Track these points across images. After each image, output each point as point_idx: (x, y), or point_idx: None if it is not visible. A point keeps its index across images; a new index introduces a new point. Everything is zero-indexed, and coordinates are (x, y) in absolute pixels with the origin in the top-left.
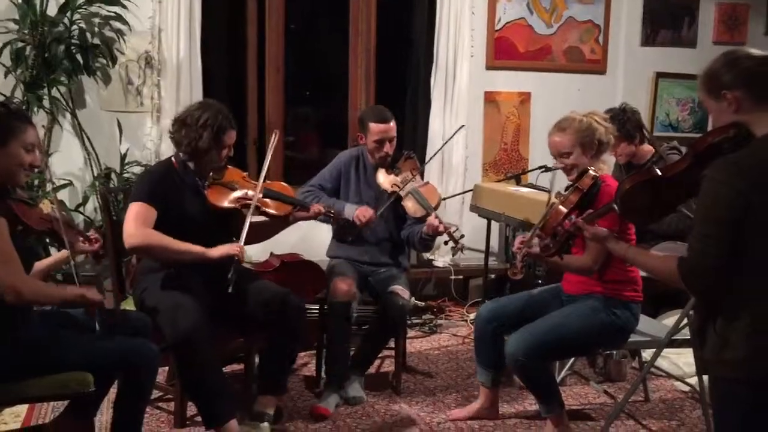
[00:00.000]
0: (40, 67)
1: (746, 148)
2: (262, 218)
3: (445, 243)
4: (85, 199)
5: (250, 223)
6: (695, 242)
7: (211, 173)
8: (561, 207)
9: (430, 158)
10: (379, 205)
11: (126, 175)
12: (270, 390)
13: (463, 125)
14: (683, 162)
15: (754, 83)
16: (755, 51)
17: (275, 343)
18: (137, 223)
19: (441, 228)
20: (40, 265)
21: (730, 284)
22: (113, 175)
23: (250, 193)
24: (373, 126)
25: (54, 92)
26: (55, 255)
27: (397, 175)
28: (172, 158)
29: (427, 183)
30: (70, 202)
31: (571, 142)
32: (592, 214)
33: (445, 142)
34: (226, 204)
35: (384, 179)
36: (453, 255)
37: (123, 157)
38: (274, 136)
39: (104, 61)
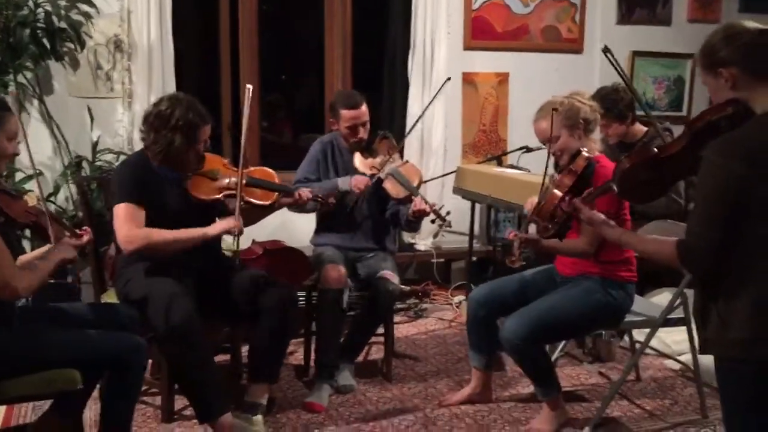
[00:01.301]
0: (4, 52)
1: (745, 127)
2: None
3: (432, 221)
4: (57, 189)
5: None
6: (694, 224)
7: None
8: (556, 191)
9: (411, 128)
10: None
11: (98, 163)
12: (262, 378)
13: (449, 78)
14: (681, 141)
15: (750, 59)
16: (753, 24)
17: (267, 332)
18: (130, 226)
19: (427, 209)
20: (22, 259)
21: (731, 265)
22: (85, 164)
23: (233, 180)
24: (345, 112)
25: (20, 78)
26: (38, 250)
27: (374, 157)
28: (146, 151)
29: (407, 162)
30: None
31: (557, 126)
32: (591, 194)
33: (431, 101)
34: (208, 195)
35: (361, 163)
36: (438, 232)
37: (94, 144)
38: (247, 91)
39: (72, 46)
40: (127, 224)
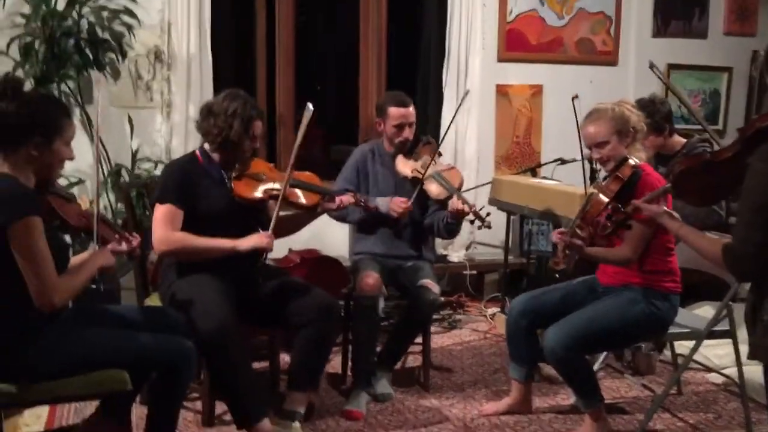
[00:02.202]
0: (49, 61)
1: None
2: (288, 211)
3: (471, 222)
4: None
5: (276, 215)
6: (739, 228)
7: (237, 165)
8: (601, 196)
9: (444, 134)
10: (405, 195)
11: (137, 172)
12: (302, 386)
13: (468, 91)
14: (732, 147)
15: None
16: None
17: (307, 340)
18: (165, 227)
19: (466, 209)
20: (75, 260)
21: None
22: (124, 172)
23: (278, 184)
24: (393, 110)
25: (63, 88)
26: (81, 255)
27: (416, 160)
28: (196, 151)
29: (449, 165)
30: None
31: (608, 131)
32: (650, 196)
33: (455, 113)
34: (253, 195)
35: (404, 166)
36: (470, 244)
37: (134, 154)
38: (307, 112)
39: (113, 56)
40: (165, 226)
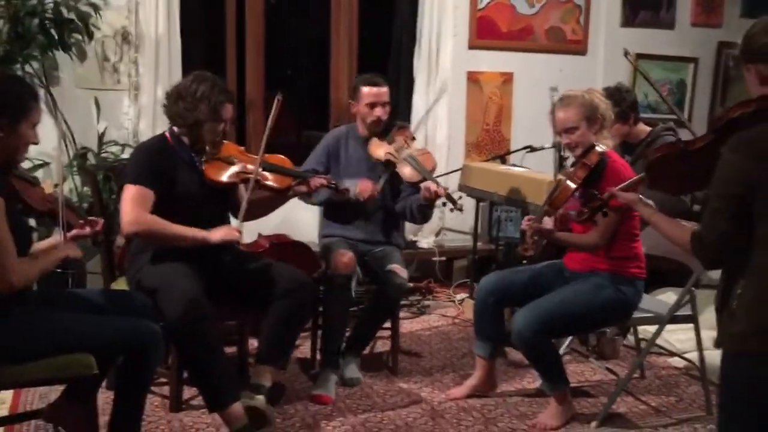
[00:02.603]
0: (13, 41)
1: (761, 125)
2: (259, 193)
3: (444, 205)
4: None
5: (249, 199)
6: (706, 216)
7: (207, 148)
8: (569, 183)
9: (416, 127)
10: (378, 178)
11: (104, 155)
12: (270, 360)
13: (445, 89)
14: (706, 137)
15: None
16: None
17: (280, 315)
18: (135, 208)
19: (440, 191)
20: (38, 247)
21: (740, 259)
22: (90, 155)
23: (250, 167)
24: (365, 89)
25: (27, 68)
26: (52, 238)
27: (390, 144)
28: (166, 133)
29: (425, 150)
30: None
31: (577, 117)
32: (625, 184)
33: (428, 110)
34: (224, 179)
35: (378, 149)
36: (440, 230)
37: (101, 136)
38: (276, 101)
39: (79, 37)
40: (135, 207)
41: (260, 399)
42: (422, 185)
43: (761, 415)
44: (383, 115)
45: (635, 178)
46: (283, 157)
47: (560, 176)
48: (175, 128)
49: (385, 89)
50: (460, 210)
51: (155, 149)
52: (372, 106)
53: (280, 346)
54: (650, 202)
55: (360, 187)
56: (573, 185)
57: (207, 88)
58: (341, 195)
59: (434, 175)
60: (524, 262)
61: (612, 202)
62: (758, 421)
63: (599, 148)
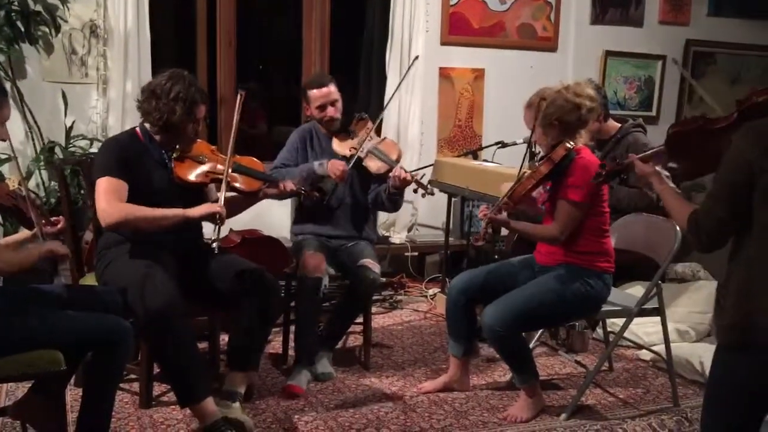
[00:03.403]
0: None
1: None
2: (230, 194)
3: (414, 191)
4: (29, 174)
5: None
6: (707, 199)
7: (177, 146)
8: (531, 178)
9: (387, 103)
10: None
11: (72, 149)
12: (241, 366)
13: (417, 56)
14: (729, 117)
15: None
16: None
17: (248, 318)
18: (110, 199)
19: (408, 177)
20: (7, 240)
21: (733, 249)
22: (58, 150)
23: (219, 167)
24: (312, 93)
25: None
26: (21, 234)
27: (352, 138)
28: (136, 129)
29: (384, 138)
30: None
31: (531, 120)
32: (643, 155)
33: (402, 80)
34: (193, 178)
35: (340, 145)
36: (413, 225)
37: (68, 130)
38: (239, 97)
39: (46, 30)
40: (109, 197)
41: (236, 408)
42: (391, 174)
43: (746, 406)
44: (335, 114)
45: (654, 149)
46: (254, 159)
47: (525, 170)
48: (147, 125)
49: (332, 88)
50: (431, 194)
51: (125, 144)
52: (322, 108)
53: (250, 351)
54: (665, 173)
55: (330, 167)
56: (534, 180)
57: (183, 89)
58: (310, 199)
59: (402, 164)
60: (496, 257)
61: (630, 169)
62: (742, 412)
63: (569, 145)
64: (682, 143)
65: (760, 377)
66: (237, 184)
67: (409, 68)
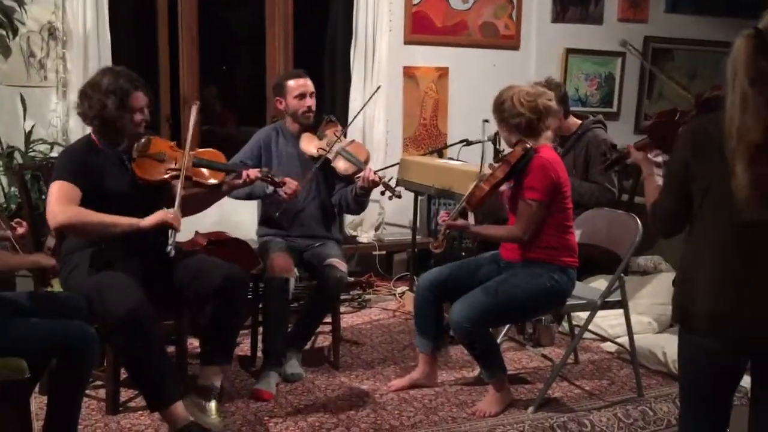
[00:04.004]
0: None
1: (711, 114)
2: (193, 189)
3: (382, 193)
4: None
5: (184, 195)
6: (661, 189)
7: (135, 145)
8: (488, 181)
9: (352, 119)
10: (307, 172)
11: (31, 153)
12: (214, 360)
13: (380, 86)
14: (691, 111)
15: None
16: None
17: (216, 312)
18: (60, 202)
19: (376, 178)
20: None
21: (686, 235)
22: (17, 155)
23: (180, 163)
24: (291, 83)
25: None
26: None
27: (321, 139)
28: (92, 135)
29: (353, 141)
30: None
31: (494, 118)
32: (638, 142)
33: (365, 103)
34: (155, 177)
35: (308, 145)
36: (380, 224)
37: (27, 135)
38: (194, 107)
39: (3, 32)
40: (58, 200)
41: (211, 407)
42: (360, 175)
43: (698, 386)
44: (313, 105)
45: (644, 138)
46: (215, 151)
47: (484, 172)
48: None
49: (309, 81)
50: (399, 196)
51: (82, 150)
52: (301, 96)
53: (223, 344)
54: (658, 160)
55: (285, 187)
56: (490, 183)
57: (111, 81)
58: (277, 186)
59: (369, 166)
60: (463, 254)
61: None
62: (700, 392)
63: (528, 145)
64: (660, 133)
65: (699, 360)
66: (200, 179)
67: (370, 97)
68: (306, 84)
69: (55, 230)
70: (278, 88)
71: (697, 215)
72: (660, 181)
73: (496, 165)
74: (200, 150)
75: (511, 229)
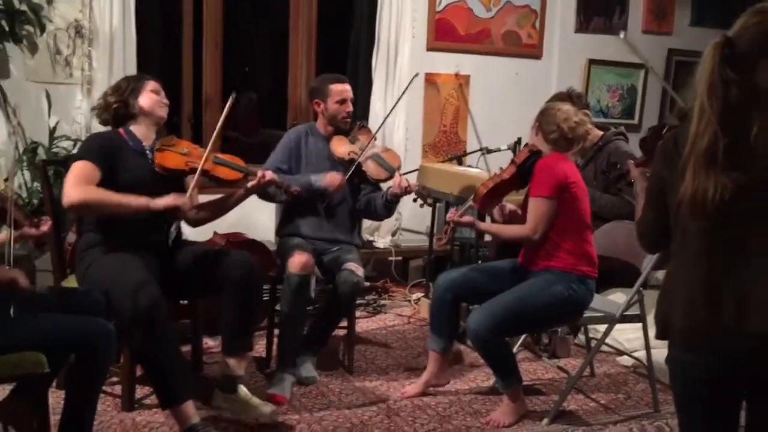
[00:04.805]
0: None
1: (684, 125)
2: (213, 194)
3: (414, 200)
4: (11, 175)
5: (203, 202)
6: (645, 204)
7: (160, 140)
8: (493, 179)
9: (384, 120)
10: (342, 173)
11: (55, 149)
12: (240, 349)
13: (417, 74)
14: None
15: None
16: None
17: (235, 302)
18: (77, 181)
19: (411, 186)
20: None
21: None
22: (41, 150)
23: (200, 159)
24: (334, 87)
25: None
26: (4, 233)
27: (353, 143)
28: (119, 130)
29: (388, 149)
30: None
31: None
32: (639, 160)
33: (402, 94)
34: (174, 166)
35: (340, 148)
36: (397, 230)
37: (52, 131)
38: (231, 97)
39: (31, 29)
40: (76, 179)
41: (240, 395)
42: (394, 180)
43: (685, 398)
44: (351, 111)
45: (640, 157)
46: (235, 157)
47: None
48: (132, 127)
49: (349, 87)
50: (431, 205)
51: (107, 135)
52: (342, 101)
53: (244, 333)
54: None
55: (328, 179)
56: (496, 180)
57: (123, 81)
58: (292, 196)
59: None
60: (479, 262)
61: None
62: (690, 414)
63: (534, 149)
64: (650, 148)
65: (679, 378)
66: (217, 174)
67: (409, 84)
68: (347, 90)
69: (68, 209)
70: (318, 90)
71: (674, 230)
72: (641, 187)
73: (505, 167)
74: (222, 154)
75: (521, 227)
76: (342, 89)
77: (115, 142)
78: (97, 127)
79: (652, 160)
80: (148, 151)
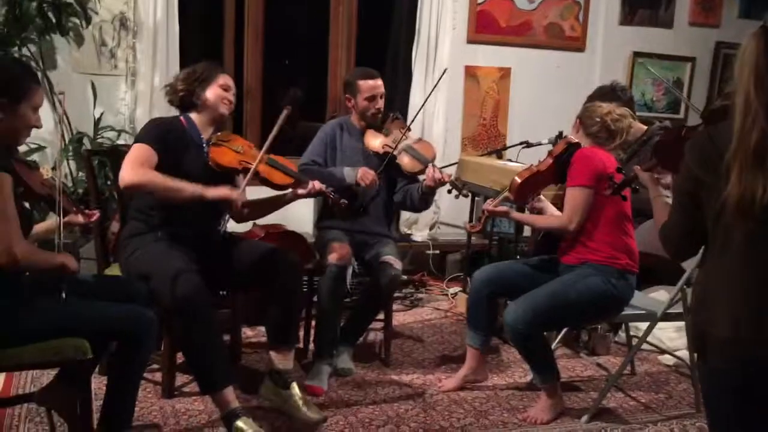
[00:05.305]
0: (10, 24)
1: (718, 124)
2: (262, 196)
3: (449, 192)
4: (57, 165)
5: (250, 200)
6: (670, 210)
7: (217, 134)
8: (529, 169)
9: (417, 112)
10: (374, 169)
11: (99, 140)
12: (289, 342)
13: (446, 69)
14: (699, 125)
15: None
16: None
17: (279, 293)
18: (134, 164)
19: (445, 177)
20: (38, 228)
21: (702, 257)
22: (86, 140)
23: (253, 158)
24: (363, 83)
25: (24, 51)
26: (48, 222)
27: (386, 136)
28: (180, 117)
29: (421, 139)
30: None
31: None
32: (646, 165)
33: (434, 88)
34: (227, 163)
35: (374, 141)
36: (435, 223)
37: (96, 121)
38: (285, 111)
39: (77, 21)
40: (134, 162)
41: (292, 392)
42: (427, 172)
43: (719, 410)
44: (381, 107)
45: (653, 159)
46: (287, 159)
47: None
48: (192, 115)
49: (380, 81)
50: (466, 195)
51: (168, 122)
52: (371, 98)
53: (291, 326)
54: (666, 182)
55: (361, 174)
56: (532, 171)
57: (194, 69)
58: (335, 202)
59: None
60: (517, 257)
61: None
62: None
63: (573, 141)
64: (665, 153)
65: (715, 388)
66: (268, 177)
67: (439, 79)
68: (377, 85)
69: (124, 190)
70: (349, 86)
71: (712, 234)
72: (668, 201)
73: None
74: (274, 155)
75: (557, 216)
76: (371, 86)
77: (174, 129)
78: (141, 119)
79: (664, 163)
80: (204, 144)
